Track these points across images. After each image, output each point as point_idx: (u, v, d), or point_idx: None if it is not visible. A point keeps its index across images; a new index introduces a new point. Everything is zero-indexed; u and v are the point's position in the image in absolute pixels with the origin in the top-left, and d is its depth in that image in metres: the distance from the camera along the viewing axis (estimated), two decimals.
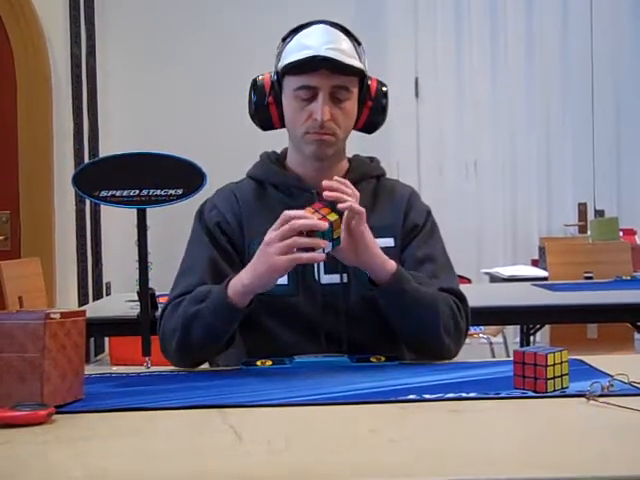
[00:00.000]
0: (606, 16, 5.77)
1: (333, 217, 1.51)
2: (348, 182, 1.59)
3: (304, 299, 1.69)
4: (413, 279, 1.62)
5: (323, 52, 1.62)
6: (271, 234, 1.50)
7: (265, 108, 1.74)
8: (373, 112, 1.75)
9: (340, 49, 1.65)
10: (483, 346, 4.41)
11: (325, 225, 1.48)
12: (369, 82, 1.73)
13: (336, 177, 1.59)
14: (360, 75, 1.70)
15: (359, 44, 1.73)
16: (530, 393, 1.31)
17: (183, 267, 1.77)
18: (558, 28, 5.82)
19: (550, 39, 5.82)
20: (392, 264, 1.60)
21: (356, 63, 1.67)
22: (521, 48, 5.82)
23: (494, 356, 4.40)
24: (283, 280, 1.67)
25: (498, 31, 5.81)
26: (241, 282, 1.55)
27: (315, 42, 1.65)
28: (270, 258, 1.49)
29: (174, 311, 1.65)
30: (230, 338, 1.62)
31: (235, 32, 5.68)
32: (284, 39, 1.74)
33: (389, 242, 1.74)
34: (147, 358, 2.54)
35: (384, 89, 1.76)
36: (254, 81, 1.75)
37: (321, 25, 1.69)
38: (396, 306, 1.60)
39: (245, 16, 5.69)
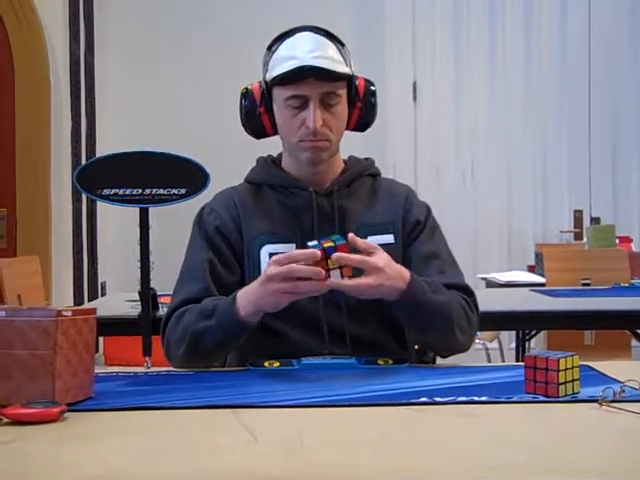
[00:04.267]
0: (604, 24, 5.80)
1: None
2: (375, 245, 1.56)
3: None
4: (428, 285, 1.62)
5: (309, 61, 1.63)
6: (273, 270, 1.47)
7: (257, 118, 1.75)
8: (363, 111, 1.76)
9: (326, 56, 1.66)
10: (479, 352, 4.41)
11: (322, 276, 1.45)
12: (357, 82, 1.74)
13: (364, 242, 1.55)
14: (347, 79, 1.71)
15: (343, 45, 1.75)
16: (542, 398, 1.31)
17: (183, 273, 1.77)
18: (556, 35, 5.84)
19: (548, 46, 5.84)
20: (405, 276, 1.57)
21: (343, 69, 1.69)
22: (519, 54, 5.84)
23: (490, 361, 4.40)
24: None
25: (496, 36, 5.83)
26: (249, 305, 1.54)
27: (301, 51, 1.66)
28: (272, 296, 1.49)
29: (178, 321, 1.65)
30: None
31: (234, 31, 5.67)
32: (269, 47, 1.75)
33: (389, 239, 1.75)
34: (147, 358, 2.53)
35: (372, 88, 1.77)
36: (244, 91, 1.76)
37: (305, 33, 1.69)
38: (411, 317, 1.62)
39: (244, 15, 5.69)
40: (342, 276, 1.46)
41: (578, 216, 5.77)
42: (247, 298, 1.54)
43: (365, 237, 1.72)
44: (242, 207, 1.78)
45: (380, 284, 1.50)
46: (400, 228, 1.77)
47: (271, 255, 1.70)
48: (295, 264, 1.44)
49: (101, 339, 5.11)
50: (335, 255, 1.45)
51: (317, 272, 1.43)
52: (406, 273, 1.58)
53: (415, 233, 1.77)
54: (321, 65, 1.64)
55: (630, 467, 0.99)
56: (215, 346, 1.59)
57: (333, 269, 1.46)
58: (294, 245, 1.72)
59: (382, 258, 1.52)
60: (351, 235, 1.51)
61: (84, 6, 5.16)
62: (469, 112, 5.81)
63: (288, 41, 1.69)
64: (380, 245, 1.72)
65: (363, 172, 1.82)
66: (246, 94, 1.75)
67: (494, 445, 1.09)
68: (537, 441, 1.12)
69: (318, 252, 1.44)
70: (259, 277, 1.52)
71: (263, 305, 1.53)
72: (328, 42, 1.69)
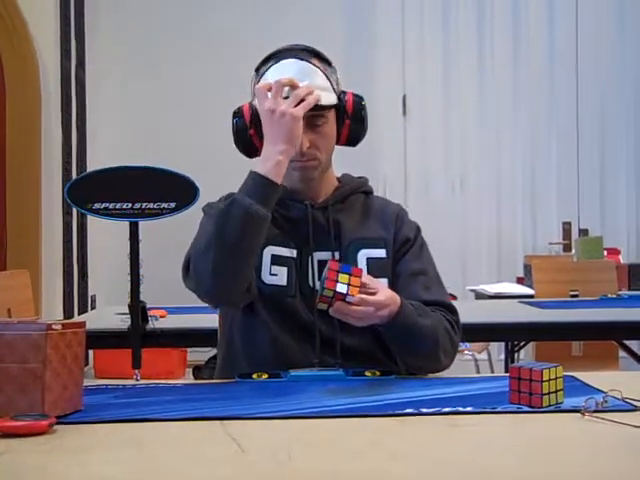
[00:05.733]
0: (591, 36, 5.85)
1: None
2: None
3: (300, 302, 1.72)
4: (416, 309, 1.65)
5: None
6: (271, 102, 1.60)
7: (248, 138, 1.77)
8: (352, 127, 1.77)
9: (311, 85, 1.67)
10: (468, 363, 4.43)
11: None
12: (345, 98, 1.76)
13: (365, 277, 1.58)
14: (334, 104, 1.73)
15: (330, 64, 1.77)
16: (525, 408, 1.33)
17: (197, 238, 1.73)
18: (545, 50, 5.89)
19: (536, 60, 5.89)
20: (396, 302, 1.60)
21: (328, 98, 1.70)
22: (508, 67, 5.88)
23: (479, 372, 4.42)
24: (282, 281, 1.72)
25: (485, 50, 5.87)
26: (270, 155, 1.61)
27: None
28: (280, 118, 1.59)
29: (199, 241, 1.66)
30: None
31: (225, 49, 5.70)
32: (257, 70, 1.77)
33: (381, 253, 1.79)
34: (136, 371, 2.54)
35: (362, 103, 1.78)
36: (236, 111, 1.78)
37: (290, 60, 1.71)
38: (398, 339, 1.66)
39: (234, 28, 5.72)
40: (347, 292, 1.50)
41: (567, 228, 5.81)
42: (261, 158, 1.62)
43: (359, 250, 1.76)
44: None
45: (380, 316, 1.56)
46: (391, 244, 1.80)
47: (274, 256, 1.73)
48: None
49: (91, 352, 5.11)
50: (336, 306, 1.51)
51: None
52: (397, 297, 1.61)
53: (404, 250, 1.80)
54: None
55: (611, 476, 1.01)
56: (244, 220, 1.57)
57: (342, 283, 1.49)
58: (295, 251, 1.75)
59: (383, 293, 1.57)
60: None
61: (75, 21, 5.17)
62: (458, 125, 5.85)
63: (275, 68, 1.71)
64: (372, 259, 1.77)
65: (357, 189, 1.85)
66: (237, 114, 1.77)
67: (479, 455, 1.10)
68: (520, 451, 1.13)
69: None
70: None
71: (277, 142, 1.61)
72: (314, 68, 1.71)
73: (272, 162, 1.61)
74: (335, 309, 1.51)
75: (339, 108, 1.74)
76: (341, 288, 1.49)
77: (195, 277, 1.63)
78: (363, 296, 1.52)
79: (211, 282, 1.60)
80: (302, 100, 1.61)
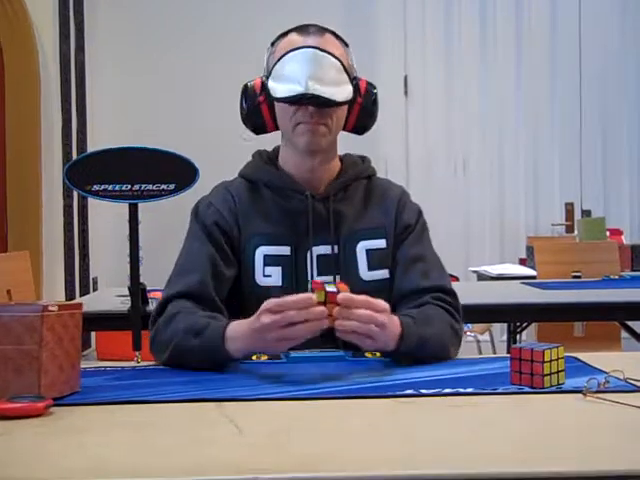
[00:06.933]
0: (595, 16, 5.81)
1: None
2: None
3: None
4: (417, 323, 1.57)
5: (310, 89, 1.62)
6: (267, 320, 1.40)
7: (257, 110, 1.74)
8: (362, 114, 1.75)
9: (327, 80, 1.64)
10: (470, 344, 4.43)
11: (325, 323, 1.40)
12: (358, 82, 1.74)
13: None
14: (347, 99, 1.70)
15: (347, 45, 1.75)
16: (527, 389, 1.32)
17: (180, 264, 1.73)
18: (547, 29, 5.85)
19: (539, 40, 5.84)
20: (396, 326, 1.52)
21: (343, 92, 1.67)
22: (510, 48, 5.85)
23: (481, 353, 4.42)
24: (277, 282, 1.69)
25: (487, 30, 5.83)
26: (241, 344, 1.49)
27: (301, 73, 1.64)
28: (268, 344, 1.44)
29: (168, 324, 1.59)
30: None
31: (226, 29, 5.67)
32: (273, 43, 1.75)
33: (381, 244, 1.76)
34: (137, 353, 2.54)
35: (374, 91, 1.76)
36: (245, 86, 1.75)
37: (309, 50, 1.66)
38: (407, 359, 1.55)
39: (237, 13, 5.69)
40: (338, 291, 1.42)
41: (569, 209, 5.79)
42: (238, 340, 1.48)
43: (358, 242, 1.74)
44: (240, 203, 1.76)
45: (382, 322, 1.46)
46: (392, 231, 1.78)
47: (266, 257, 1.71)
48: (291, 311, 1.38)
49: (93, 335, 5.11)
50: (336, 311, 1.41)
51: (318, 313, 1.39)
52: (396, 322, 1.52)
53: (404, 236, 1.78)
54: (321, 94, 1.63)
55: (613, 457, 1.00)
56: (197, 365, 1.52)
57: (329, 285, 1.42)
58: (289, 248, 1.72)
59: (384, 316, 1.47)
60: (348, 297, 1.43)
61: (74, 4, 5.14)
62: (460, 106, 5.82)
63: (290, 56, 1.67)
64: (372, 250, 1.74)
65: (359, 175, 1.82)
66: (247, 90, 1.74)
67: (479, 436, 1.10)
68: (522, 431, 1.12)
69: (313, 297, 1.39)
70: (251, 322, 1.45)
71: (257, 350, 1.51)
72: (332, 61, 1.66)
73: (242, 351, 1.50)
74: (337, 313, 1.41)
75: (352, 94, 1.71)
76: (331, 288, 1.42)
77: (151, 349, 1.63)
78: (354, 296, 1.43)
79: (164, 363, 1.60)
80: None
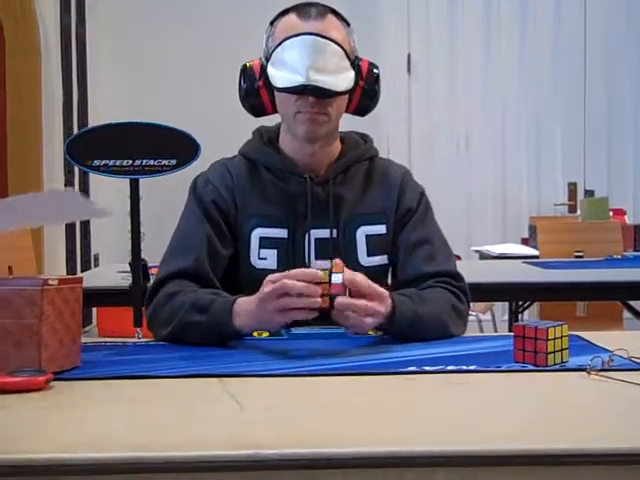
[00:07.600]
0: None
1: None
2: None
3: None
4: (412, 301, 1.55)
5: (311, 79, 1.59)
6: (268, 288, 1.40)
7: (256, 95, 1.71)
8: (364, 97, 1.72)
9: (328, 68, 1.61)
10: (472, 324, 4.42)
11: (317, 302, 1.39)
12: (360, 64, 1.70)
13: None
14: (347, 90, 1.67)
15: (349, 25, 1.71)
16: (530, 367, 1.31)
17: (176, 242, 1.71)
18: (552, 6, 5.81)
19: (543, 18, 5.81)
20: (388, 304, 1.49)
21: (344, 81, 1.64)
22: (514, 26, 5.81)
23: (482, 333, 4.41)
24: (272, 264, 1.68)
25: (491, 8, 5.79)
26: (246, 318, 1.48)
27: (301, 62, 1.60)
28: (268, 315, 1.43)
29: (167, 301, 1.58)
30: None
31: (226, 6, 5.63)
32: (272, 22, 1.71)
33: (381, 229, 1.74)
34: (138, 329, 2.53)
35: (375, 71, 1.72)
36: (244, 67, 1.72)
37: (309, 38, 1.61)
38: (405, 336, 1.54)
39: None
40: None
41: (572, 189, 5.77)
42: (246, 315, 1.48)
43: (358, 228, 1.72)
44: (238, 181, 1.74)
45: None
46: (393, 214, 1.75)
47: (262, 240, 1.69)
48: (289, 280, 1.38)
49: (94, 311, 5.11)
50: (339, 300, 1.40)
51: (313, 290, 1.37)
52: (387, 299, 1.50)
53: (406, 219, 1.75)
54: (322, 86, 1.60)
55: (616, 434, 0.99)
56: (201, 340, 1.52)
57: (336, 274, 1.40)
58: (286, 230, 1.70)
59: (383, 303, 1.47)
60: (354, 278, 1.43)
61: None
62: (463, 84, 5.79)
63: (290, 42, 1.62)
64: (371, 236, 1.72)
65: (360, 157, 1.79)
66: (245, 71, 1.71)
67: (483, 413, 1.09)
68: (525, 409, 1.12)
69: (319, 273, 1.38)
70: (257, 294, 1.44)
71: (260, 326, 1.50)
72: (333, 48, 1.62)
73: (248, 326, 1.50)
74: (338, 303, 1.40)
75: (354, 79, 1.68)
76: (336, 278, 1.39)
77: (149, 326, 1.63)
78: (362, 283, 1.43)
79: (164, 339, 1.58)
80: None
